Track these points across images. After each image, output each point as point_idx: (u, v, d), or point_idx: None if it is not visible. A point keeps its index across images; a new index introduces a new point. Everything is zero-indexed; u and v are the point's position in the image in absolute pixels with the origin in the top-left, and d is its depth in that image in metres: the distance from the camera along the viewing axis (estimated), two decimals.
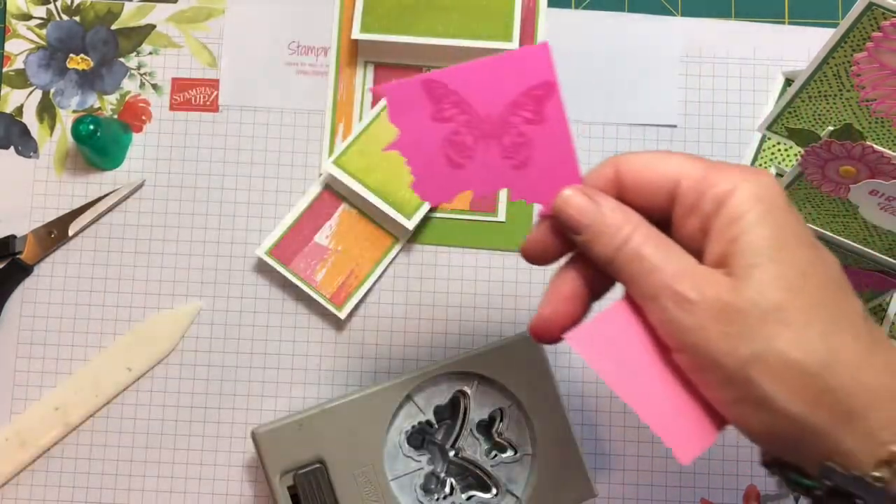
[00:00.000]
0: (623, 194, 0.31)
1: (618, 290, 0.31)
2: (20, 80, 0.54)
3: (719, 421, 0.29)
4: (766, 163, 0.53)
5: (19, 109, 0.54)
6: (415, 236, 0.52)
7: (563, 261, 0.33)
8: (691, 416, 0.29)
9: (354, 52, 0.54)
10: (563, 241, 0.32)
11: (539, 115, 0.33)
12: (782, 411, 0.26)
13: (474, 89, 0.33)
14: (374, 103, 0.53)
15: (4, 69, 0.54)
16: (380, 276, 0.52)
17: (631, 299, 0.30)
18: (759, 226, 0.28)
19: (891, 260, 0.44)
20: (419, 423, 0.47)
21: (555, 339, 0.31)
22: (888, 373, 0.26)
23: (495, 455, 0.47)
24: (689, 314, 0.28)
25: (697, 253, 0.29)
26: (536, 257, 0.33)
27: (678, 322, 0.28)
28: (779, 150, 0.53)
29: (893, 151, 0.41)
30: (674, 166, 0.30)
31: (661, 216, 0.31)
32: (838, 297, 0.28)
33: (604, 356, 0.30)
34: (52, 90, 0.54)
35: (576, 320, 0.31)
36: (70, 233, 0.52)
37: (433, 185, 0.34)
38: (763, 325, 0.26)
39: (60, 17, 0.54)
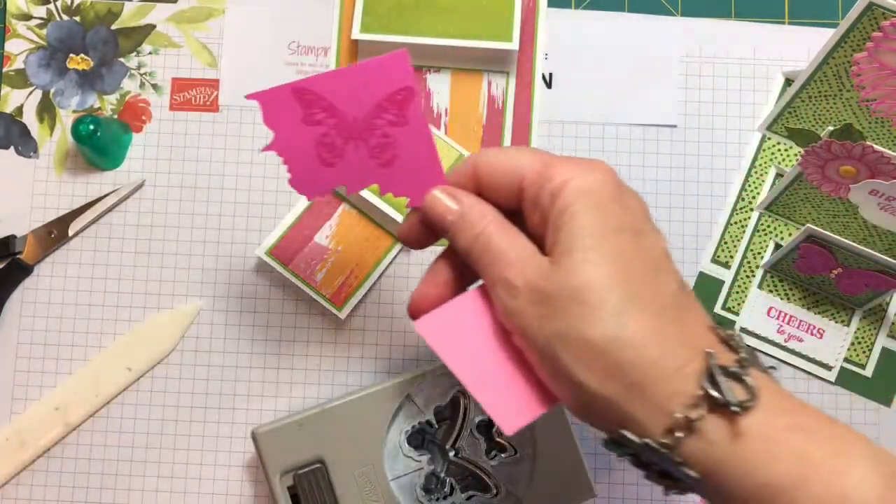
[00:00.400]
0: (481, 190, 0.34)
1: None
2: (20, 80, 0.54)
3: (552, 397, 0.32)
4: (766, 163, 0.53)
5: (19, 109, 0.54)
6: None
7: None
8: (522, 393, 0.32)
9: (354, 52, 0.54)
10: (431, 230, 0.35)
11: (401, 117, 0.36)
12: (581, 385, 0.29)
13: (341, 95, 0.35)
14: None
15: (4, 69, 0.54)
16: (380, 276, 0.52)
17: (485, 287, 0.33)
18: (580, 215, 0.30)
19: (891, 260, 0.44)
20: (419, 423, 0.47)
21: None
22: (678, 347, 0.28)
23: (495, 455, 0.47)
24: (514, 299, 0.30)
25: (543, 244, 0.32)
26: (411, 243, 0.37)
27: (507, 307, 0.31)
28: (779, 150, 0.53)
29: (893, 151, 0.41)
30: (519, 162, 0.33)
31: (518, 209, 0.33)
32: (646, 278, 0.30)
33: (446, 341, 0.33)
34: (52, 90, 0.54)
35: (444, 303, 0.34)
36: (70, 233, 0.52)
37: (308, 182, 0.37)
38: (568, 306, 0.29)
39: (60, 17, 0.54)
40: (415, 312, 0.35)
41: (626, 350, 0.28)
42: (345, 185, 0.36)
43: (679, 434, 0.27)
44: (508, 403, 0.32)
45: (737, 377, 0.28)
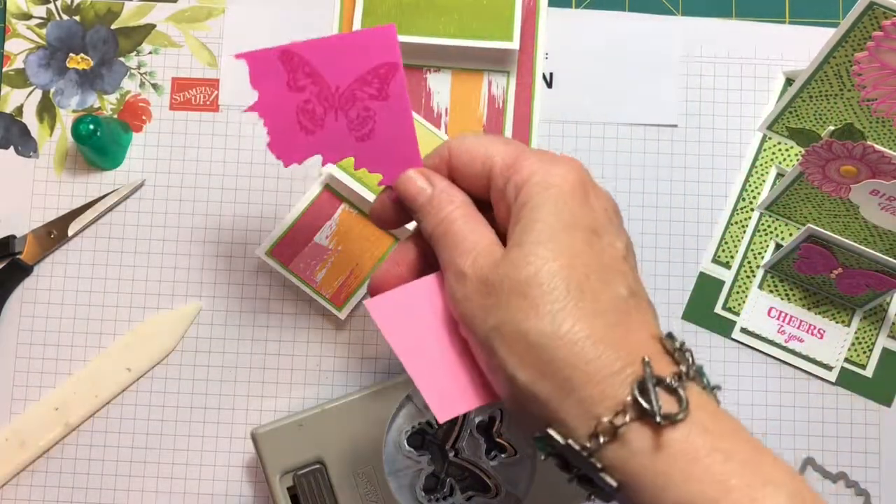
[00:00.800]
0: (453, 175, 0.34)
1: None
2: (20, 79, 0.54)
3: (492, 392, 0.32)
4: (766, 163, 0.53)
5: (19, 109, 0.54)
6: None
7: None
8: (461, 383, 0.32)
9: None
10: (402, 210, 0.35)
11: (383, 92, 0.36)
12: (514, 378, 0.28)
13: (327, 63, 0.35)
14: None
15: (4, 69, 0.54)
16: None
17: (441, 275, 0.33)
18: (537, 210, 0.30)
19: (891, 260, 0.44)
20: (419, 423, 0.47)
21: None
22: (615, 351, 0.28)
23: (495, 455, 0.47)
24: (461, 287, 0.30)
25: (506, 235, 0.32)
26: (381, 222, 0.37)
27: (453, 293, 0.31)
28: (779, 150, 0.53)
29: (894, 151, 0.41)
30: (491, 150, 0.32)
31: (488, 198, 0.33)
32: (593, 279, 0.29)
33: (395, 323, 0.33)
34: (52, 90, 0.54)
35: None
36: (70, 233, 0.52)
37: (286, 147, 0.37)
38: (509, 299, 0.29)
39: (60, 17, 0.54)
40: (374, 292, 0.34)
41: (559, 348, 0.28)
42: (321, 154, 0.36)
43: (603, 439, 0.27)
44: (446, 392, 0.32)
45: (670, 389, 0.27)
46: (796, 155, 0.53)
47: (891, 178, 0.42)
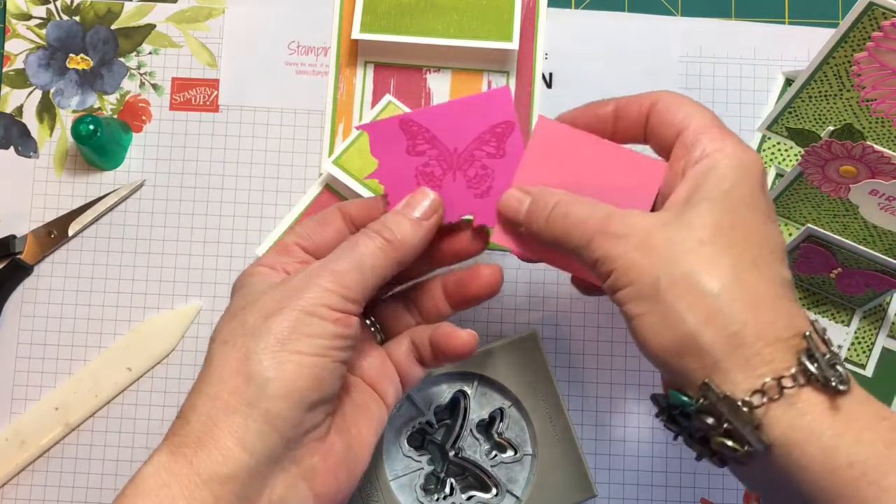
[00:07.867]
0: (649, 125, 0.36)
1: None
2: (20, 80, 0.54)
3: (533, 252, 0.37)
4: (766, 163, 0.53)
5: (19, 109, 0.54)
6: None
7: None
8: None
9: (354, 52, 0.54)
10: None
11: (500, 149, 0.38)
12: (680, 324, 0.29)
13: (444, 127, 0.38)
14: (373, 104, 0.53)
15: (4, 69, 0.54)
16: None
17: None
18: (724, 181, 0.31)
19: (890, 260, 0.44)
20: (419, 423, 0.47)
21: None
22: (785, 320, 0.29)
23: (495, 455, 0.47)
24: (617, 246, 0.32)
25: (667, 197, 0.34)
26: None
27: (606, 254, 0.32)
28: (779, 150, 0.53)
29: (893, 151, 0.41)
30: (688, 113, 0.35)
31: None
32: (767, 254, 0.31)
33: (548, 146, 0.38)
34: (52, 90, 0.54)
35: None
36: (70, 233, 0.52)
37: None
38: (681, 253, 0.30)
39: (60, 17, 0.54)
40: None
41: (737, 304, 0.29)
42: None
43: (771, 397, 0.28)
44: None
45: (831, 364, 0.29)
46: (796, 155, 0.53)
47: (890, 178, 0.42)
